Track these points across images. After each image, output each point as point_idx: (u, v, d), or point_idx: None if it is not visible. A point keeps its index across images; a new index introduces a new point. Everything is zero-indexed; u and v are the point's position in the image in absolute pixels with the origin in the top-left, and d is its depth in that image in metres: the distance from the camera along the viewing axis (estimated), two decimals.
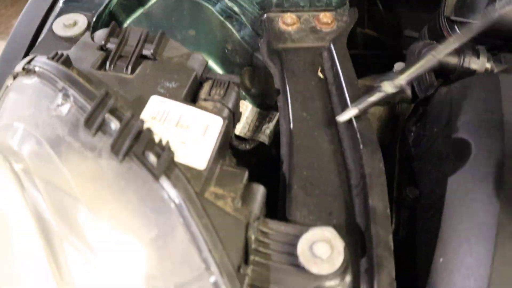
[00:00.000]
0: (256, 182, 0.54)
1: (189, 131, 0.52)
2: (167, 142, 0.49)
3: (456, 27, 0.76)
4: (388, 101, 0.82)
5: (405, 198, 0.64)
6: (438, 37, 0.78)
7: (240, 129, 0.72)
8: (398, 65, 0.86)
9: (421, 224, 0.58)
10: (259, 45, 0.75)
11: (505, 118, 0.53)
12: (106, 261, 0.45)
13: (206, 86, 0.59)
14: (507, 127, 0.52)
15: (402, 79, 0.58)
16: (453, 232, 0.51)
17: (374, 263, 0.48)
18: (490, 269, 0.48)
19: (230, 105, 0.57)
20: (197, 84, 0.59)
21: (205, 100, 0.57)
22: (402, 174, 0.68)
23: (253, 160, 0.74)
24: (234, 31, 0.78)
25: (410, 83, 0.88)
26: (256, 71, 0.78)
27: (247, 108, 0.73)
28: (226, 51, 0.75)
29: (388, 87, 0.58)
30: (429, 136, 0.63)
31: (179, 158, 0.50)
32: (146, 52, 0.58)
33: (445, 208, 0.52)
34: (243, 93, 0.75)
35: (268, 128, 0.71)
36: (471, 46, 0.67)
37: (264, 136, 0.71)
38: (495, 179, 0.50)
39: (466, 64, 0.64)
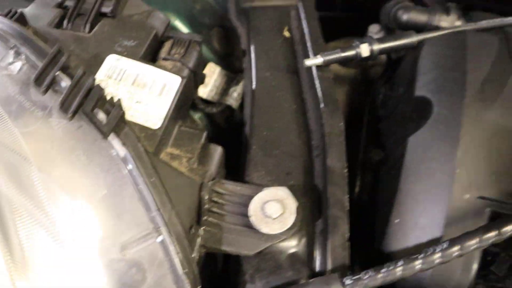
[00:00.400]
0: (214, 143, 0.54)
1: (145, 91, 0.51)
2: (118, 100, 0.48)
3: None
4: (361, 64, 0.81)
5: (370, 160, 0.63)
6: None
7: (208, 92, 0.71)
8: (372, 27, 0.84)
9: (383, 186, 0.58)
10: (228, 4, 0.73)
11: (468, 76, 0.52)
12: (58, 224, 0.45)
13: (166, 45, 0.58)
14: (469, 85, 0.52)
15: (377, 47, 0.58)
16: (409, 193, 0.50)
17: (329, 223, 0.48)
18: (443, 231, 0.48)
19: (190, 64, 0.56)
20: (157, 43, 0.58)
21: (164, 59, 0.56)
22: (369, 136, 0.68)
23: (222, 123, 0.73)
24: None
25: None
26: (226, 32, 0.76)
27: (215, 71, 0.72)
28: (194, 11, 0.73)
29: (364, 49, 0.57)
30: (395, 96, 0.63)
31: (133, 117, 0.49)
32: (105, 9, 0.56)
33: (404, 169, 0.52)
34: (212, 55, 0.74)
35: (236, 90, 0.70)
36: (442, 3, 0.65)
37: (232, 99, 0.70)
38: (452, 138, 0.49)
39: (435, 22, 0.62)
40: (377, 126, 0.67)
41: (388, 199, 0.53)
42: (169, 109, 0.50)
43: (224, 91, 0.72)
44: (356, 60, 0.58)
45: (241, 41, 0.66)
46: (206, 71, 0.72)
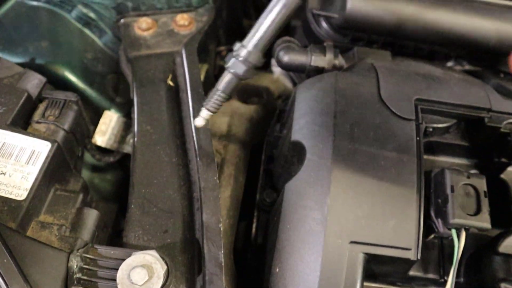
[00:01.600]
0: (88, 207, 0.53)
1: (11, 161, 0.50)
2: None
3: (321, 20, 0.75)
4: (260, 100, 0.82)
5: (263, 201, 0.64)
6: (309, 30, 0.77)
7: (106, 140, 0.70)
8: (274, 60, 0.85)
9: (270, 228, 0.58)
10: (119, 52, 0.73)
11: (337, 120, 0.53)
12: None
13: (41, 107, 0.57)
14: (338, 129, 0.52)
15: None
16: (286, 241, 0.51)
17: (205, 280, 0.48)
18: (320, 278, 0.48)
19: (66, 126, 0.55)
20: (31, 105, 0.57)
21: (38, 122, 0.55)
22: (265, 176, 0.68)
23: (120, 173, 0.72)
24: (95, 38, 0.75)
25: (289, 76, 0.89)
26: (121, 78, 0.75)
27: (112, 119, 0.71)
28: (85, 60, 0.72)
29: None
30: (283, 137, 0.63)
31: None
32: None
33: (282, 216, 0.52)
34: (108, 103, 0.73)
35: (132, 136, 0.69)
36: (320, 43, 0.66)
37: (129, 146, 0.70)
38: (323, 185, 0.50)
39: (313, 63, 0.63)
40: (270, 166, 0.68)
41: (271, 246, 0.54)
42: (37, 178, 0.49)
43: (123, 138, 0.72)
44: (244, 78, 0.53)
45: (130, 91, 0.66)
46: (102, 119, 0.71)
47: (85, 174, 0.74)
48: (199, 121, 0.53)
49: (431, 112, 0.56)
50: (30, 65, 0.68)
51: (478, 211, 0.51)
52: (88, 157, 0.72)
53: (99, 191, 0.75)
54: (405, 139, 0.53)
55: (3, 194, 0.48)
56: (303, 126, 0.54)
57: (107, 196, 0.75)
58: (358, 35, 0.72)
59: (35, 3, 0.71)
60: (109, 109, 0.73)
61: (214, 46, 0.91)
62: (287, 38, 0.71)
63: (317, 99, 0.56)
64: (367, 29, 0.69)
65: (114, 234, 0.64)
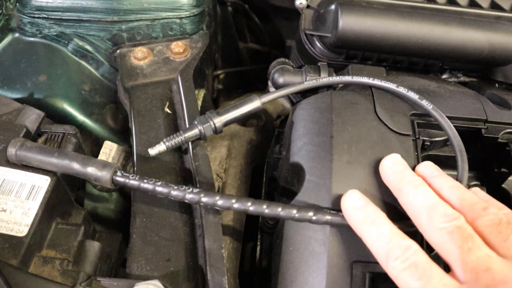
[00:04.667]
0: (90, 239, 0.53)
1: (11, 197, 0.50)
2: None
3: (315, 40, 0.76)
4: (259, 121, 0.82)
5: (266, 223, 0.64)
6: (303, 49, 0.78)
7: None
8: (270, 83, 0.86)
9: (273, 251, 0.58)
10: (116, 82, 0.74)
11: (334, 140, 0.53)
12: None
13: (40, 142, 0.57)
14: (336, 149, 0.52)
15: (219, 123, 0.58)
16: (289, 264, 0.50)
17: None
18: None
19: None
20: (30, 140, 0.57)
21: None
22: (267, 197, 0.68)
23: (123, 202, 0.73)
24: (92, 70, 0.76)
25: (287, 96, 0.89)
26: (120, 107, 0.76)
27: (112, 148, 0.71)
28: (83, 92, 0.73)
29: (207, 129, 0.58)
30: (282, 159, 0.63)
31: None
32: None
33: (284, 235, 0.52)
34: (107, 133, 0.73)
35: (132, 166, 0.70)
36: (315, 63, 0.67)
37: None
38: (324, 205, 0.50)
39: (309, 83, 0.63)
40: (272, 187, 0.68)
41: (275, 269, 0.53)
42: (37, 213, 0.50)
43: (124, 167, 0.72)
44: (204, 137, 0.58)
45: (129, 121, 0.66)
46: (102, 150, 0.71)
47: (88, 204, 0.74)
48: (152, 151, 0.56)
49: (427, 126, 0.56)
50: (29, 100, 0.69)
51: None
52: (90, 187, 0.72)
53: (102, 221, 0.75)
54: (404, 154, 0.53)
55: (4, 232, 0.48)
56: (301, 147, 0.55)
57: (111, 226, 0.75)
58: (352, 52, 0.72)
59: (31, 38, 0.72)
60: (108, 139, 0.73)
61: (211, 71, 0.92)
62: (282, 59, 0.71)
63: (313, 120, 0.56)
64: (361, 46, 0.70)
65: (119, 263, 0.64)
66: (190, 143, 0.58)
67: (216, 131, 0.58)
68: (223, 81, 1.03)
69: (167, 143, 0.56)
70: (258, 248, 0.64)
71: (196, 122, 0.57)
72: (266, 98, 0.60)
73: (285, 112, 0.88)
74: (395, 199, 0.50)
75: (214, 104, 0.93)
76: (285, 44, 1.03)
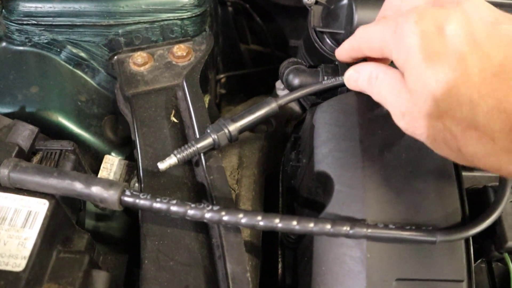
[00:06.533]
0: (96, 266, 0.47)
1: (4, 226, 0.45)
2: None
3: (325, 37, 0.71)
4: (269, 127, 0.77)
5: (287, 238, 0.58)
6: (312, 48, 0.73)
7: None
8: (279, 83, 0.80)
9: (300, 269, 0.53)
10: (115, 91, 0.68)
11: (362, 146, 0.48)
12: None
13: (35, 160, 0.52)
14: (366, 155, 0.47)
15: (235, 130, 0.53)
16: (323, 285, 0.45)
17: None
18: None
19: None
20: (25, 159, 0.51)
21: None
22: (285, 209, 0.63)
23: (127, 219, 0.67)
24: (88, 79, 0.70)
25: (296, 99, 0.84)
26: (120, 118, 0.70)
27: (113, 163, 0.66)
28: (79, 103, 0.67)
29: (222, 138, 0.53)
30: (302, 167, 0.58)
31: None
32: None
33: (314, 253, 0.47)
34: (107, 147, 0.68)
35: (137, 181, 0.64)
36: (326, 61, 0.62)
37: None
38: (358, 217, 0.44)
39: (327, 83, 0.58)
40: (290, 198, 0.62)
41: (306, 286, 0.48)
42: (36, 243, 0.44)
43: (127, 182, 0.66)
44: (218, 147, 0.53)
45: (131, 132, 0.61)
46: (103, 165, 0.66)
47: (90, 224, 0.68)
48: (162, 165, 0.51)
49: None
50: (21, 114, 0.63)
51: None
52: (90, 205, 0.67)
53: (106, 241, 0.69)
54: (440, 157, 0.48)
55: None
56: (327, 154, 0.49)
57: (115, 245, 0.70)
58: None
59: (21, 47, 0.67)
60: (109, 152, 0.68)
61: (213, 75, 0.86)
62: (293, 59, 0.66)
63: (338, 123, 0.51)
64: None
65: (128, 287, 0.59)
66: (202, 154, 0.53)
67: (232, 139, 0.52)
68: (225, 85, 0.98)
69: (178, 156, 0.51)
70: (280, 265, 0.58)
71: (209, 131, 0.52)
72: (284, 100, 0.54)
73: (295, 117, 0.83)
74: (433, 205, 0.45)
75: (218, 110, 0.88)
76: (289, 44, 0.98)
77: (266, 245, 0.61)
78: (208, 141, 0.52)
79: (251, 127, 0.54)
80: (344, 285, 0.44)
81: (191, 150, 0.51)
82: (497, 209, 0.44)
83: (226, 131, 0.52)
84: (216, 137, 0.52)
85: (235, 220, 0.43)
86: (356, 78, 0.49)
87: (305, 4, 0.73)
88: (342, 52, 0.51)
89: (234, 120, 0.52)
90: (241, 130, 0.53)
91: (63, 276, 0.45)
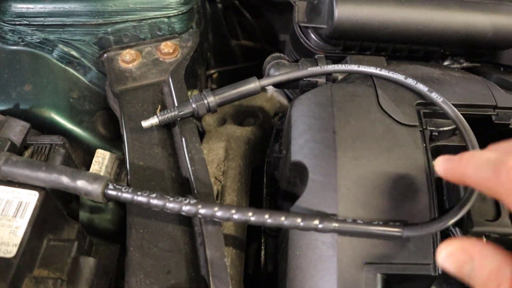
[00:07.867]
0: (85, 254, 0.50)
1: None
2: None
3: (310, 32, 0.73)
4: (256, 120, 0.79)
5: (269, 228, 0.61)
6: (298, 43, 0.75)
7: None
8: None
9: (279, 255, 0.55)
10: (106, 87, 0.70)
11: (337, 136, 0.50)
12: None
13: (26, 155, 0.55)
14: (340, 145, 0.50)
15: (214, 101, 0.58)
16: (297, 269, 0.48)
17: None
18: None
19: None
20: (17, 154, 0.54)
21: None
22: (268, 200, 0.65)
23: (120, 211, 0.69)
24: (80, 76, 0.73)
25: (283, 91, 0.86)
26: (111, 114, 0.72)
27: (105, 157, 0.68)
28: (71, 99, 0.69)
29: (200, 107, 0.58)
30: (282, 158, 0.60)
31: None
32: None
33: (290, 239, 0.49)
34: (98, 142, 0.70)
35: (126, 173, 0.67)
36: (311, 56, 0.64)
37: (124, 184, 0.67)
38: (330, 206, 0.47)
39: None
40: (274, 188, 0.65)
41: (282, 275, 0.51)
42: (26, 231, 0.47)
43: (118, 175, 0.69)
44: (197, 115, 0.58)
45: (120, 126, 0.63)
46: (95, 159, 0.68)
47: (83, 216, 0.71)
48: (145, 124, 0.57)
49: (434, 115, 0.54)
50: (15, 111, 0.65)
51: (497, 216, 0.47)
52: (85, 198, 0.69)
53: (99, 233, 0.72)
54: (411, 147, 0.50)
55: None
56: (303, 145, 0.52)
57: (109, 237, 0.72)
58: (350, 43, 0.69)
59: (14, 47, 0.69)
60: (101, 147, 0.70)
61: (203, 70, 0.89)
62: (276, 54, 0.68)
63: (314, 115, 0.53)
64: (358, 36, 0.67)
65: (119, 275, 0.61)
66: (186, 147, 0.55)
67: (210, 109, 0.57)
68: (217, 81, 1.00)
69: (160, 117, 0.56)
70: (262, 253, 0.61)
71: (190, 100, 0.57)
72: (266, 81, 0.58)
73: (283, 109, 0.85)
74: (403, 196, 0.47)
75: None
76: (279, 39, 1.00)
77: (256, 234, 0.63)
78: (188, 107, 0.57)
79: (231, 102, 0.59)
80: (317, 268, 0.46)
81: (172, 114, 0.57)
82: (465, 207, 0.44)
83: (206, 101, 0.57)
84: (195, 106, 0.57)
85: (210, 213, 0.46)
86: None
87: (289, 0, 0.75)
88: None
89: (215, 93, 0.57)
90: (221, 103, 0.57)
91: (53, 263, 0.48)
